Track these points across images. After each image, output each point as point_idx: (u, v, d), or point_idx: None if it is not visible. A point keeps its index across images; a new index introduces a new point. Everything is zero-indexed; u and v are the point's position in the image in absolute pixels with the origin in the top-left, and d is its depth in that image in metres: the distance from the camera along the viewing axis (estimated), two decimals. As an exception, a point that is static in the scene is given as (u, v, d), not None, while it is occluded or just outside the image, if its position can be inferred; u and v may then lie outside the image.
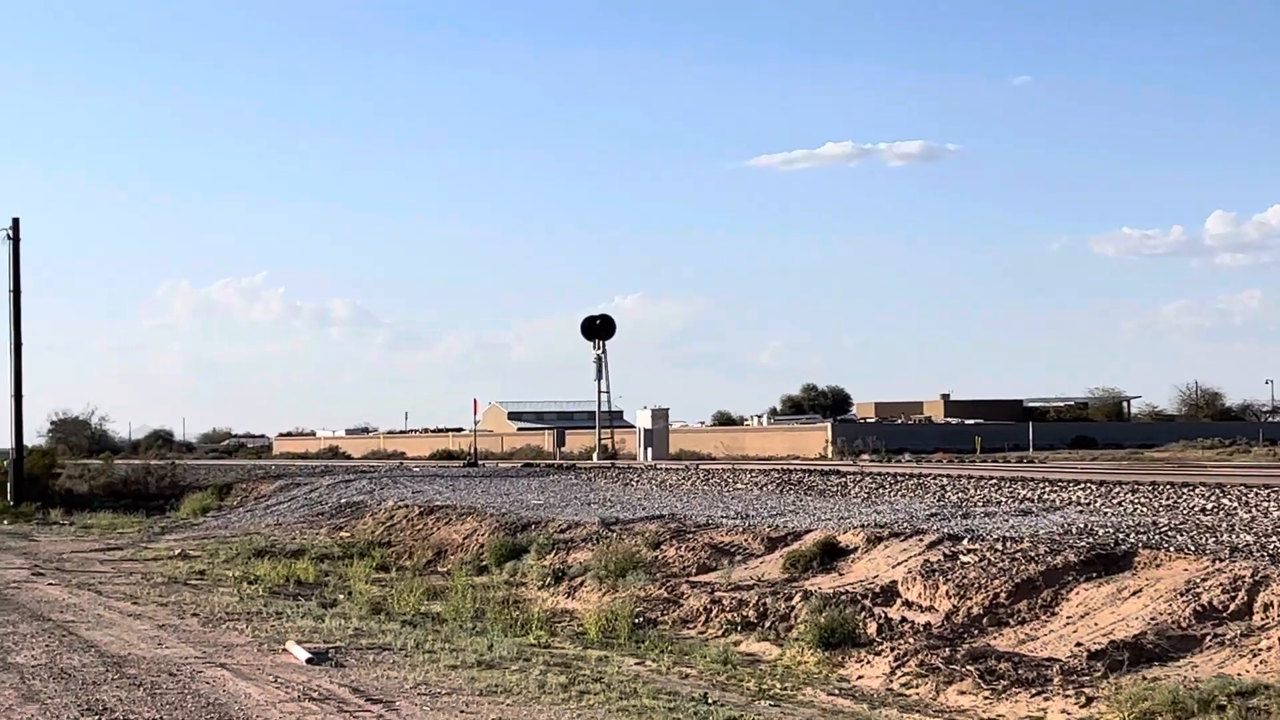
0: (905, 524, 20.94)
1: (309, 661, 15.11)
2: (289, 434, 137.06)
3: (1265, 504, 21.74)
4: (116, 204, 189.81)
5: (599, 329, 68.27)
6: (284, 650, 15.96)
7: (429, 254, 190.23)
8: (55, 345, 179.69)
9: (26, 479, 48.66)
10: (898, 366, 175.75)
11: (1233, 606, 13.91)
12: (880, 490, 29.68)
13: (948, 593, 16.32)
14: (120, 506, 45.99)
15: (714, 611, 17.94)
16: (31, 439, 58.88)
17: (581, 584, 21.14)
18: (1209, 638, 13.47)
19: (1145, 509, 22.49)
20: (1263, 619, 13.48)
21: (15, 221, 49.84)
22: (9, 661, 15.25)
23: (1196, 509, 21.94)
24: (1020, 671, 13.41)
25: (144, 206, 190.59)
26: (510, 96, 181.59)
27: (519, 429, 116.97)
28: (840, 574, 18.89)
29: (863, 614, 16.24)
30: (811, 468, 40.66)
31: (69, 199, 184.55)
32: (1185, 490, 24.45)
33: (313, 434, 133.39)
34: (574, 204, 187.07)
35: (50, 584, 23.57)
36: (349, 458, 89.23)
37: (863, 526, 20.88)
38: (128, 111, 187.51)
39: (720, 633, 17.28)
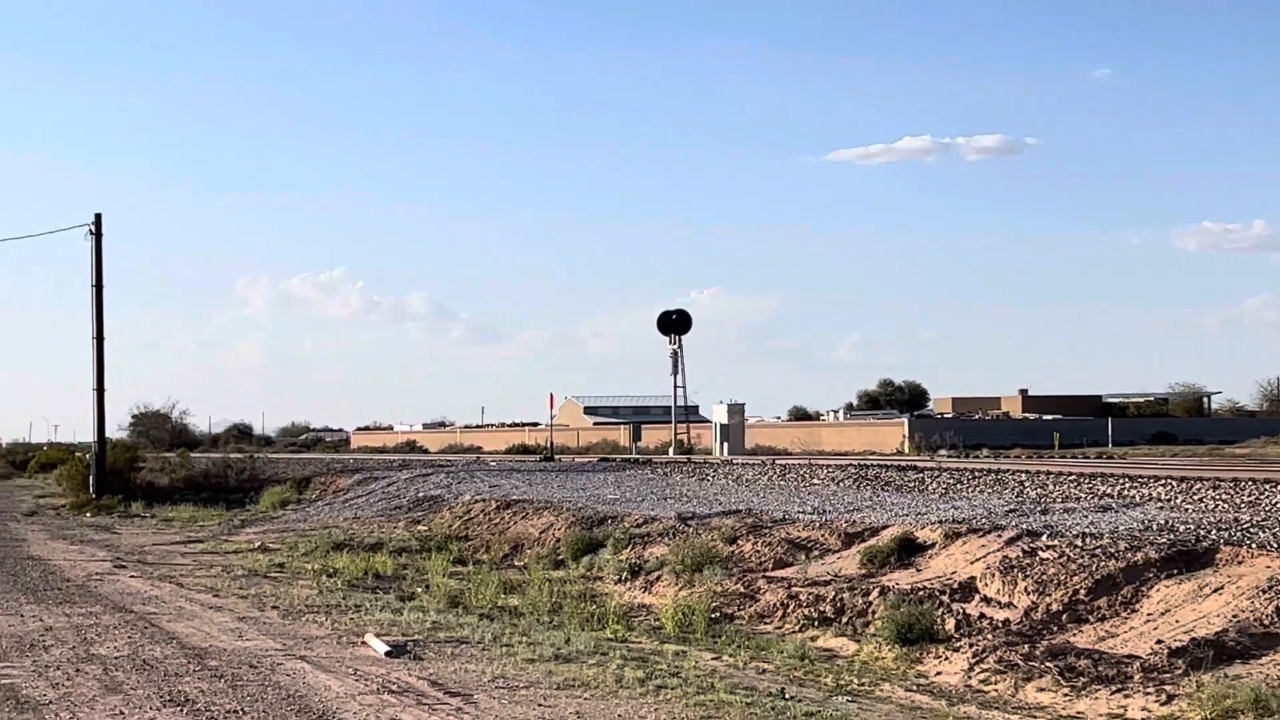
0: (983, 520, 20.82)
1: (388, 654, 15.20)
2: (366, 428, 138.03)
3: (1349, 501, 21.47)
4: (197, 200, 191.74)
5: (675, 324, 68.25)
6: (363, 643, 16.06)
7: (506, 248, 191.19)
8: (137, 340, 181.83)
9: (109, 472, 49.04)
10: (975, 362, 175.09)
11: (1316, 604, 13.76)
12: (958, 486, 29.52)
13: (1026, 589, 16.21)
14: (200, 500, 46.35)
15: (791, 607, 17.91)
16: (113, 432, 59.63)
17: (658, 578, 21.16)
18: (1292, 636, 13.33)
19: (1227, 505, 22.25)
20: (1347, 617, 13.33)
21: (98, 217, 50.27)
22: (92, 653, 15.43)
23: (1279, 506, 21.70)
24: (1100, 669, 13.31)
25: (224, 202, 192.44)
26: (589, 92, 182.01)
27: (595, 423, 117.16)
28: (918, 570, 18.81)
29: (940, 610, 16.17)
30: (888, 463, 40.50)
31: (150, 195, 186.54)
32: (1267, 487, 24.15)
33: (390, 428, 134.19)
34: (651, 198, 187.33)
35: (132, 576, 23.82)
36: (426, 452, 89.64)
37: (940, 522, 20.78)
38: (208, 109, 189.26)
39: (797, 628, 17.25)
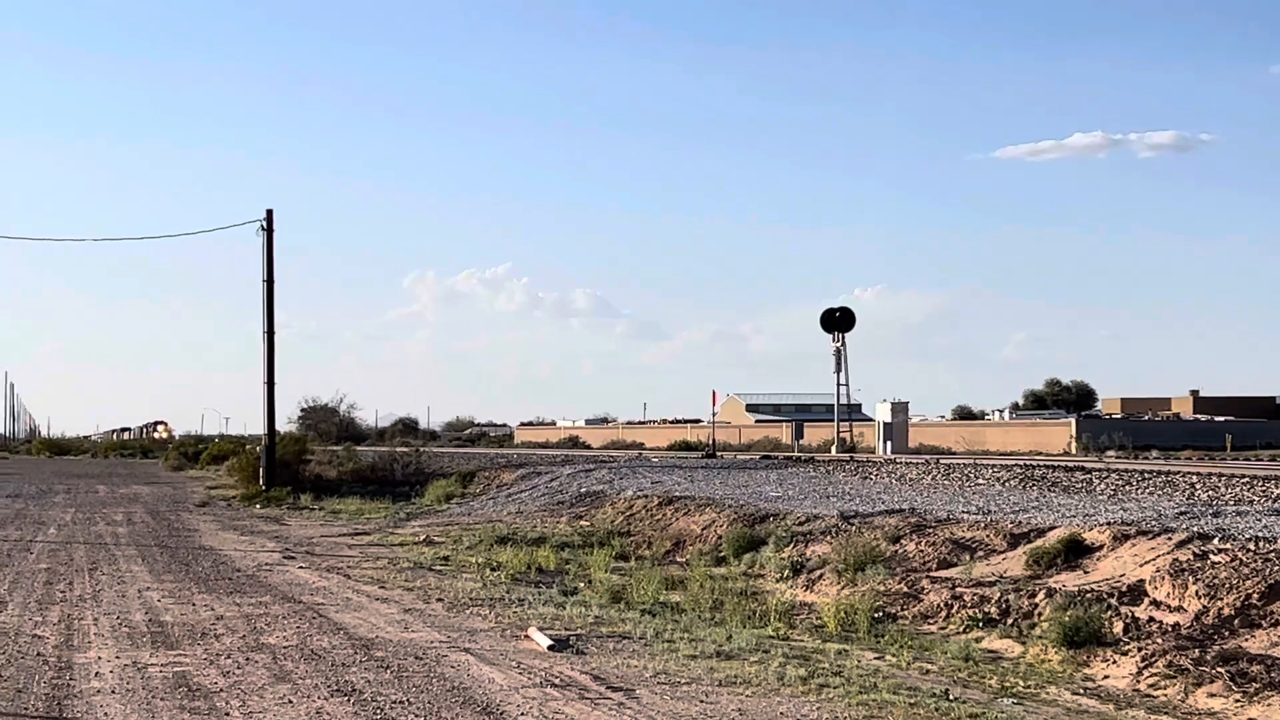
0: (1153, 522, 20.45)
1: (550, 648, 15.29)
2: (529, 423, 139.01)
3: None
4: (366, 196, 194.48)
5: (839, 321, 67.79)
6: (526, 636, 16.17)
7: (670, 246, 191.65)
8: (306, 334, 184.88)
9: (278, 464, 49.77)
10: (1145, 362, 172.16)
11: None
12: (1126, 487, 29.04)
13: (1197, 593, 15.91)
14: (367, 492, 46.89)
15: (954, 607, 17.75)
16: (283, 425, 60.51)
17: (820, 577, 21.06)
18: None
19: (1407, 510, 21.67)
20: None
21: (269, 213, 51.10)
22: (262, 642, 15.70)
23: None
24: (1273, 674, 13.03)
25: (391, 199, 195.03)
26: (757, 89, 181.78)
27: (756, 421, 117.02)
28: (1085, 572, 18.54)
29: (1108, 613, 15.92)
30: (1055, 463, 39.94)
31: (320, 192, 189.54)
32: None
33: (553, 424, 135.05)
34: (816, 195, 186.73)
35: (301, 567, 24.20)
36: (588, 448, 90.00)
37: (1108, 524, 20.45)
38: (377, 107, 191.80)
39: (961, 629, 17.08)
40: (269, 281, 50.98)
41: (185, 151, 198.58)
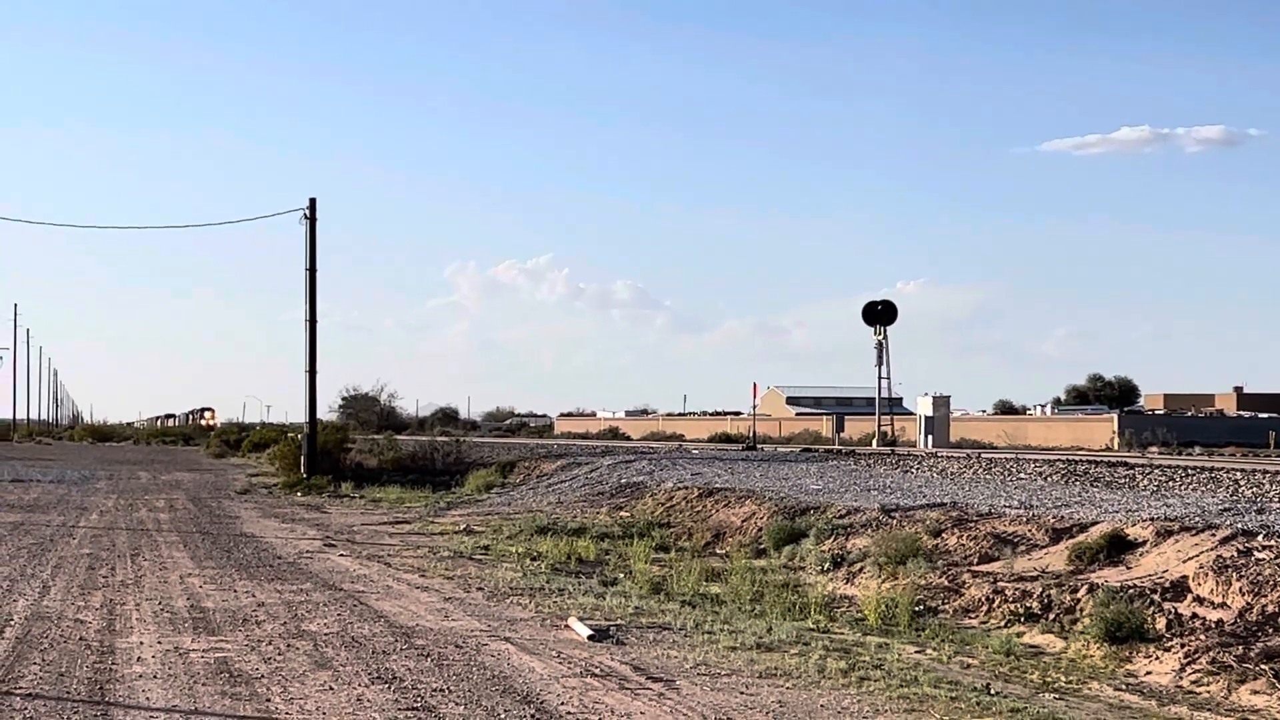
0: (1196, 518, 20.32)
1: (590, 638, 15.30)
2: (569, 414, 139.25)
3: None
4: (408, 186, 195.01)
5: (881, 315, 67.67)
6: (566, 626, 16.18)
7: (712, 237, 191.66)
8: (348, 322, 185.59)
9: (319, 453, 49.99)
10: (1188, 358, 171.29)
11: None
12: (1169, 483, 28.87)
13: (1241, 589, 15.79)
14: (407, 481, 47.04)
15: (996, 601, 17.68)
16: (324, 414, 60.51)
17: (860, 570, 21.02)
18: None
19: None
20: None
21: (312, 202, 51.29)
22: (303, 629, 15.75)
23: None
24: (1318, 673, 12.93)
25: (433, 190, 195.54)
26: (797, 83, 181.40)
27: (797, 414, 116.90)
28: (1127, 567, 18.43)
29: (1151, 608, 15.82)
30: (1097, 459, 39.76)
31: (363, 181, 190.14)
32: None
33: (593, 414, 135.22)
34: (858, 188, 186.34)
35: (341, 555, 24.28)
36: (628, 439, 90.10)
37: (1151, 520, 20.33)
38: (420, 99, 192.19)
39: (1002, 623, 17.01)
40: (311, 270, 51.16)
41: (230, 141, 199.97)
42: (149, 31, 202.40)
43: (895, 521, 23.69)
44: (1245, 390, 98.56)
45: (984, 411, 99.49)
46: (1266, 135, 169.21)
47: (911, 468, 39.02)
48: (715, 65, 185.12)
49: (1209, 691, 13.30)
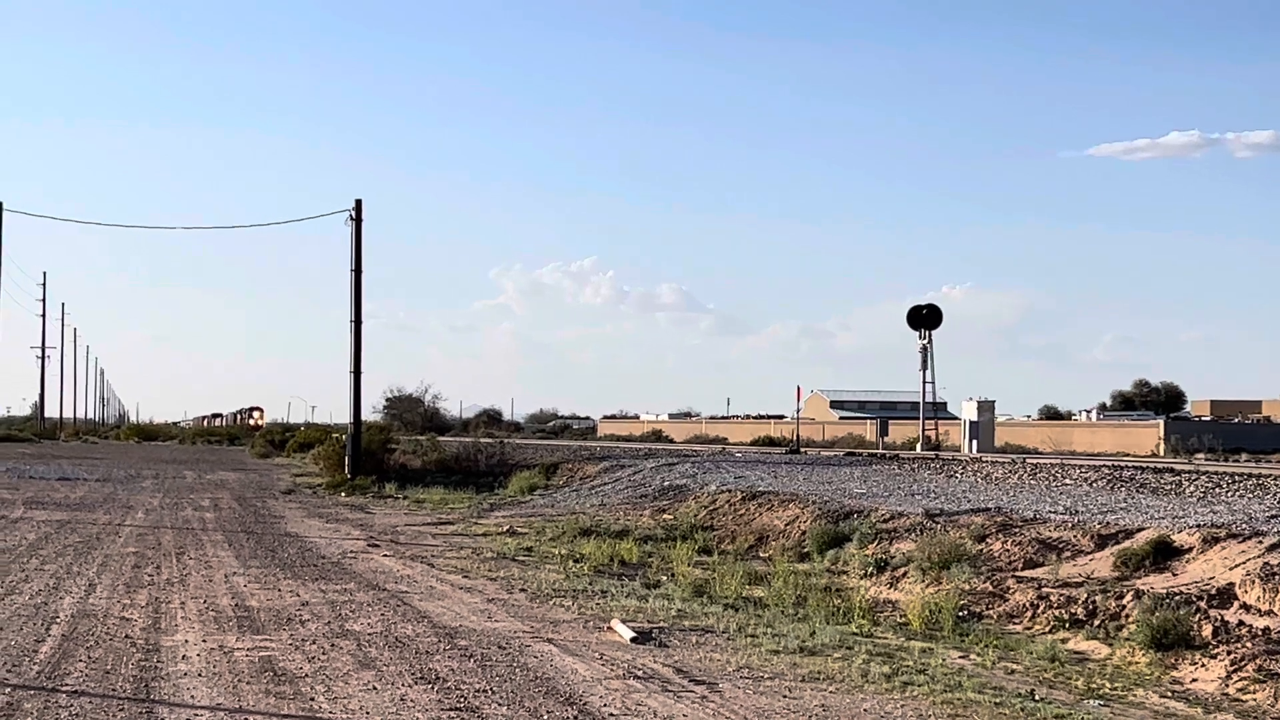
0: (1243, 525, 20.19)
1: (633, 640, 15.30)
2: (613, 416, 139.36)
3: None
4: (454, 188, 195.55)
5: (926, 319, 67.34)
6: (609, 628, 16.18)
7: (757, 241, 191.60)
8: (393, 324, 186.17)
9: (363, 453, 50.09)
10: (1235, 364, 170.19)
11: None
12: (1216, 490, 28.68)
13: (1289, 597, 15.69)
14: (451, 482, 47.08)
15: (1040, 607, 17.60)
16: (368, 414, 60.90)
17: (904, 575, 20.95)
18: None
19: None
20: None
21: (358, 203, 51.48)
22: (347, 629, 15.80)
23: None
24: (1367, 682, 12.83)
25: (479, 192, 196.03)
26: (843, 87, 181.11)
27: (841, 418, 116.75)
28: (1173, 574, 18.34)
29: (1197, 615, 15.73)
30: (1143, 465, 39.52)
31: (410, 183, 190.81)
32: None
33: (636, 417, 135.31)
34: (905, 193, 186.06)
35: (385, 555, 24.34)
36: (671, 441, 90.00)
37: (1198, 526, 20.21)
38: (466, 101, 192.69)
39: (1047, 629, 16.93)
40: (357, 271, 51.33)
41: (276, 143, 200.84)
42: (197, 32, 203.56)
43: (939, 526, 23.62)
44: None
45: (1029, 417, 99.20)
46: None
47: (955, 472, 38.88)
48: (765, 71, 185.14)
49: (1255, 699, 13.21)
